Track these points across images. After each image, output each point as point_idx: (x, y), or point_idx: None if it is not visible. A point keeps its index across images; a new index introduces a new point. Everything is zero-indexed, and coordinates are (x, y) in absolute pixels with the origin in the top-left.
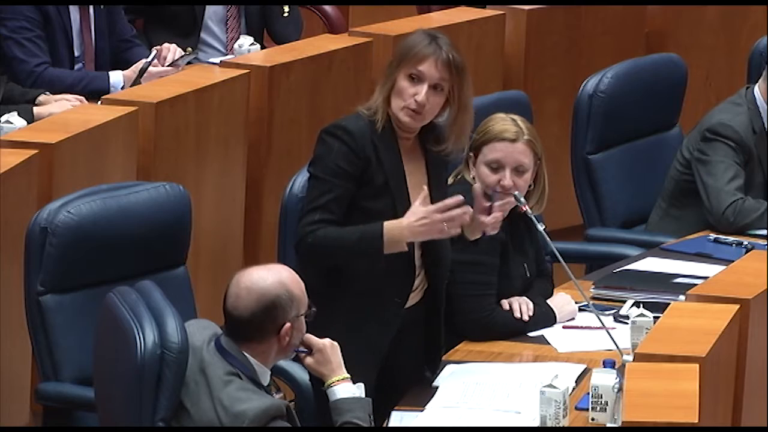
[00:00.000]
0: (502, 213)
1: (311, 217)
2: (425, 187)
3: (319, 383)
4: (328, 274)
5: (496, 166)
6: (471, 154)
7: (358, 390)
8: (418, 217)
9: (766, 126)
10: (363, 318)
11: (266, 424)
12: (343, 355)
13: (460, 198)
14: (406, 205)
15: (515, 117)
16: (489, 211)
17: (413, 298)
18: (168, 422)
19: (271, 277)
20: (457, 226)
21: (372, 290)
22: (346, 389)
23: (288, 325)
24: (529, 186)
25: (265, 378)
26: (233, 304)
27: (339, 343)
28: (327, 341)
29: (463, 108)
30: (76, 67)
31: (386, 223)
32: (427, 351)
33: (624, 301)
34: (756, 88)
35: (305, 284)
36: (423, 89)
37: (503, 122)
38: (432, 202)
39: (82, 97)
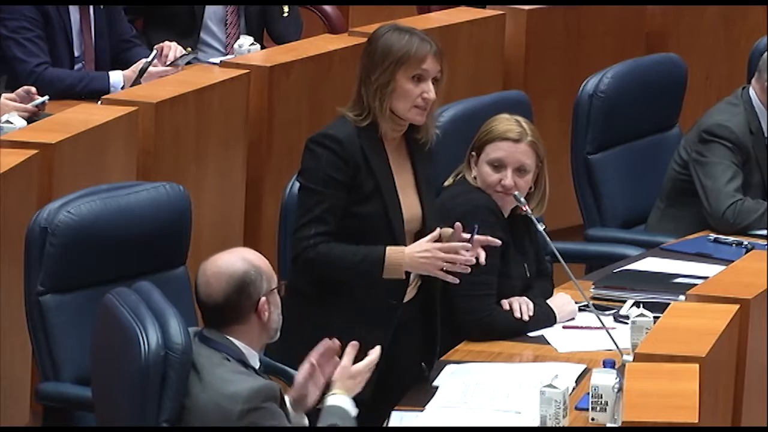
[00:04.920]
0: (481, 250)
1: (308, 230)
2: (439, 229)
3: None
4: (321, 280)
5: (498, 165)
6: (473, 153)
7: (352, 409)
8: (422, 249)
9: (763, 126)
10: (358, 321)
11: (261, 403)
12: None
13: (467, 245)
14: (397, 208)
15: (519, 118)
16: (469, 243)
17: (408, 293)
18: (172, 422)
19: (235, 257)
20: (456, 269)
21: (367, 293)
22: (340, 399)
23: (263, 299)
24: (530, 188)
25: (254, 361)
26: (205, 292)
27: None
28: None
29: (440, 90)
30: (76, 67)
31: (388, 249)
32: (424, 348)
33: (624, 301)
34: (751, 89)
35: (299, 289)
36: (429, 86)
37: (507, 122)
38: (421, 199)
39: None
